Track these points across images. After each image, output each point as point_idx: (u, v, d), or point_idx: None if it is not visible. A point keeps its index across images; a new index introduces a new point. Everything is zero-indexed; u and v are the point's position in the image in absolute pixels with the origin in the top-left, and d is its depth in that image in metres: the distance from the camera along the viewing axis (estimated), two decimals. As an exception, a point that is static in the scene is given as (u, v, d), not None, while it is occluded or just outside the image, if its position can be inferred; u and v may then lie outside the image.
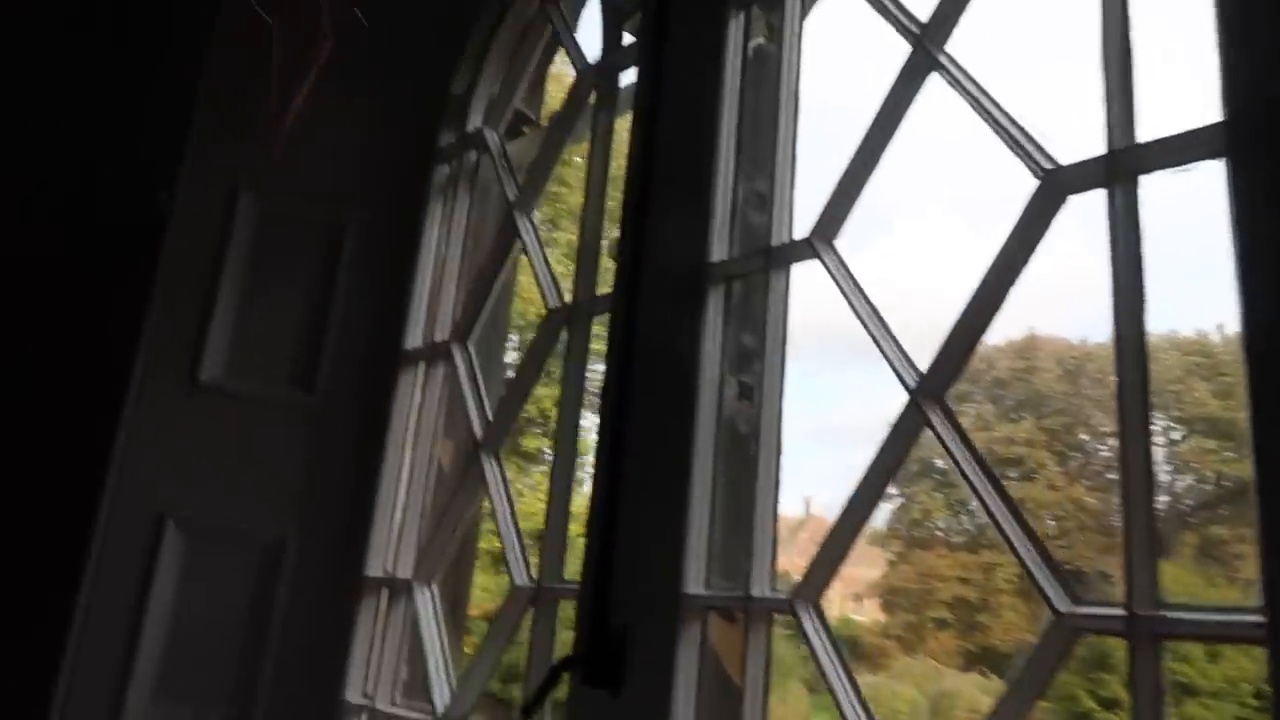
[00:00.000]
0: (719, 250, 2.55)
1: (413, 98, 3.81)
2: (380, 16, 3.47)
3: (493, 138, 3.58)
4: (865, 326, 2.20)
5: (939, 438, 1.98)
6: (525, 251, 3.23)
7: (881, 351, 2.14)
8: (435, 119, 3.77)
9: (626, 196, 2.76)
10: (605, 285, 2.87)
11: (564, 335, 2.98)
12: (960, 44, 2.28)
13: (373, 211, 3.70)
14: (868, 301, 2.21)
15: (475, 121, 3.68)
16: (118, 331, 3.50)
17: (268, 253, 3.59)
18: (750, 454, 2.34)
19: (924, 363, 2.07)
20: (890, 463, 2.09)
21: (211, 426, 3.33)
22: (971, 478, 1.90)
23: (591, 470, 2.51)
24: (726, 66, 2.71)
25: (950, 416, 2.00)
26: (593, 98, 3.18)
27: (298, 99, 2.93)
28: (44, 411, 3.51)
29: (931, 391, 2.02)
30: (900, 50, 2.36)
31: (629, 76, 3.15)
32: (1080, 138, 2.04)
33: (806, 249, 2.37)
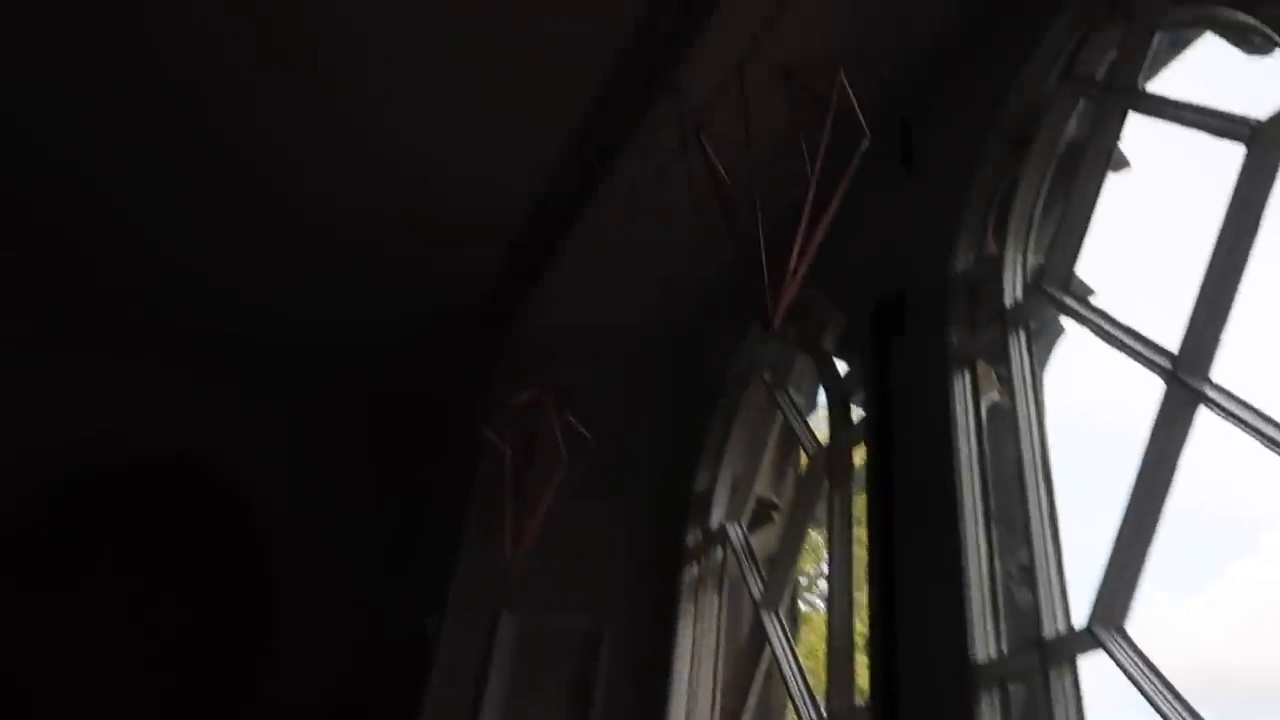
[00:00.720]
0: (983, 644, 2.11)
1: (656, 500, 3.83)
2: (614, 427, 3.59)
3: (735, 532, 3.44)
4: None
5: None
6: (775, 658, 2.91)
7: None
8: (681, 518, 3.72)
9: (871, 590, 2.44)
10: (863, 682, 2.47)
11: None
12: (1228, 368, 1.90)
13: (626, 616, 3.65)
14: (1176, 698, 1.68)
15: (718, 517, 3.58)
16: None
17: (529, 663, 3.66)
18: None
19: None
20: None
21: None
22: None
23: None
24: (958, 429, 2.44)
25: None
26: (826, 480, 2.99)
27: (531, 524, 2.98)
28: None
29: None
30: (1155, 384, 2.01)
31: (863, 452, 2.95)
32: None
33: (1088, 639, 1.90)
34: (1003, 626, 2.14)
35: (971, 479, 2.39)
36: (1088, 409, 2.40)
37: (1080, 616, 1.97)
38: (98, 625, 5.31)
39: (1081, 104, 2.48)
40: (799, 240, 1.68)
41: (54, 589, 5.33)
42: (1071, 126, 2.52)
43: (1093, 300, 2.35)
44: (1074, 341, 2.45)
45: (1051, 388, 2.46)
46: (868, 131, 1.86)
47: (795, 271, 1.66)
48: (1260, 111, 1.98)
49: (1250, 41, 2.11)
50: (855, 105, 1.84)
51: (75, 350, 5.22)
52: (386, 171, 3.91)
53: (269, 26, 3.34)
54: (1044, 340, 2.43)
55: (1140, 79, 2.31)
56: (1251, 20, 2.03)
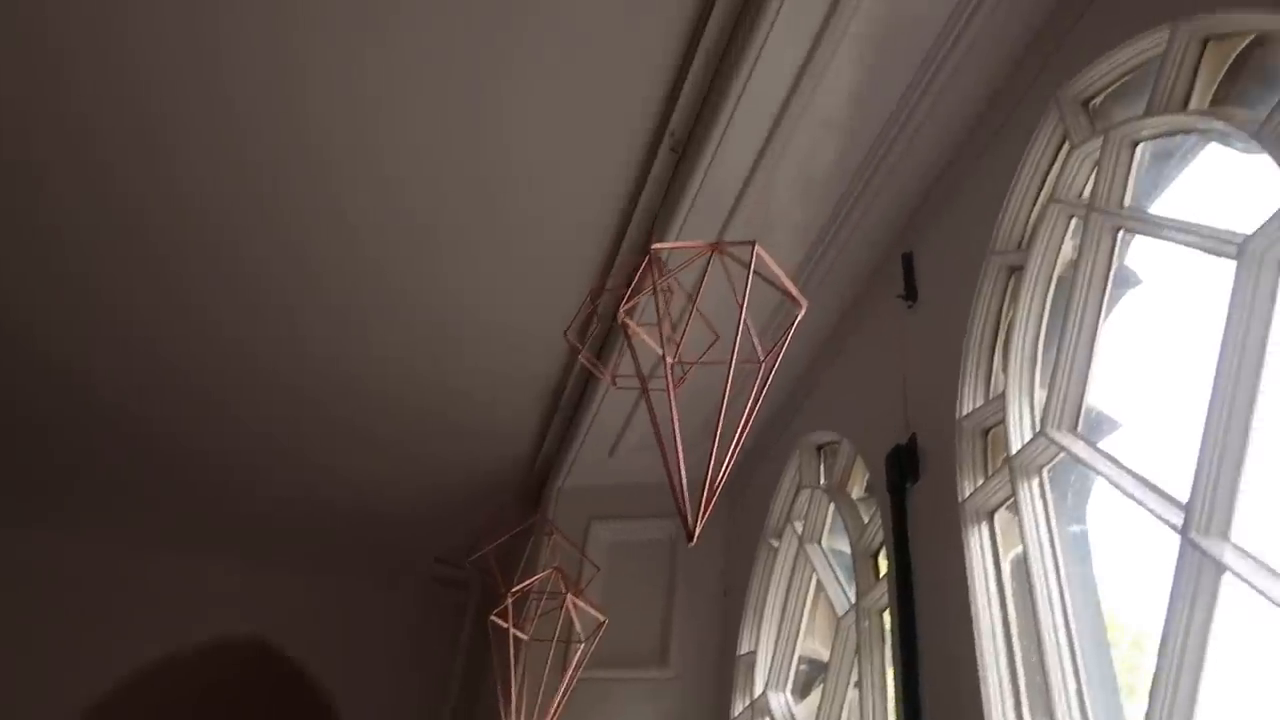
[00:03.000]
0: None
1: (700, 668, 3.61)
2: (649, 598, 3.42)
3: (778, 701, 3.17)
4: None
5: None
6: None
7: None
8: (727, 687, 3.47)
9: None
10: None
11: None
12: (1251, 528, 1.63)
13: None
14: None
15: (761, 683, 3.32)
16: None
17: None
18: None
19: None
20: None
21: None
22: None
23: None
24: (975, 588, 2.19)
25: None
26: (853, 639, 2.74)
27: (548, 703, 2.82)
28: None
29: None
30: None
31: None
32: None
33: None
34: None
35: (994, 643, 2.13)
36: (1115, 564, 2.11)
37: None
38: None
39: (1073, 225, 2.30)
40: (714, 448, 1.54)
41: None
42: (1067, 249, 2.33)
43: (1107, 439, 2.11)
44: (1098, 489, 2.19)
45: (1082, 539, 2.20)
46: (803, 301, 1.74)
47: (712, 483, 1.52)
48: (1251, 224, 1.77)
49: (1235, 147, 1.92)
50: (780, 274, 1.72)
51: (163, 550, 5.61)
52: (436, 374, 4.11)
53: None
54: (1061, 488, 2.19)
55: (1126, 195, 2.13)
56: (1221, 125, 1.85)
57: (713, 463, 1.53)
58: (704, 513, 1.52)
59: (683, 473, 1.61)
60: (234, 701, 6.07)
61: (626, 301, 1.95)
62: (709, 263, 1.94)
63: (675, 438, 1.68)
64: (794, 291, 1.82)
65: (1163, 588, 1.75)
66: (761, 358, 1.84)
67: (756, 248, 1.75)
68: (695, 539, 1.53)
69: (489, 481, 4.81)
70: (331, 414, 4.39)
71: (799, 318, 1.81)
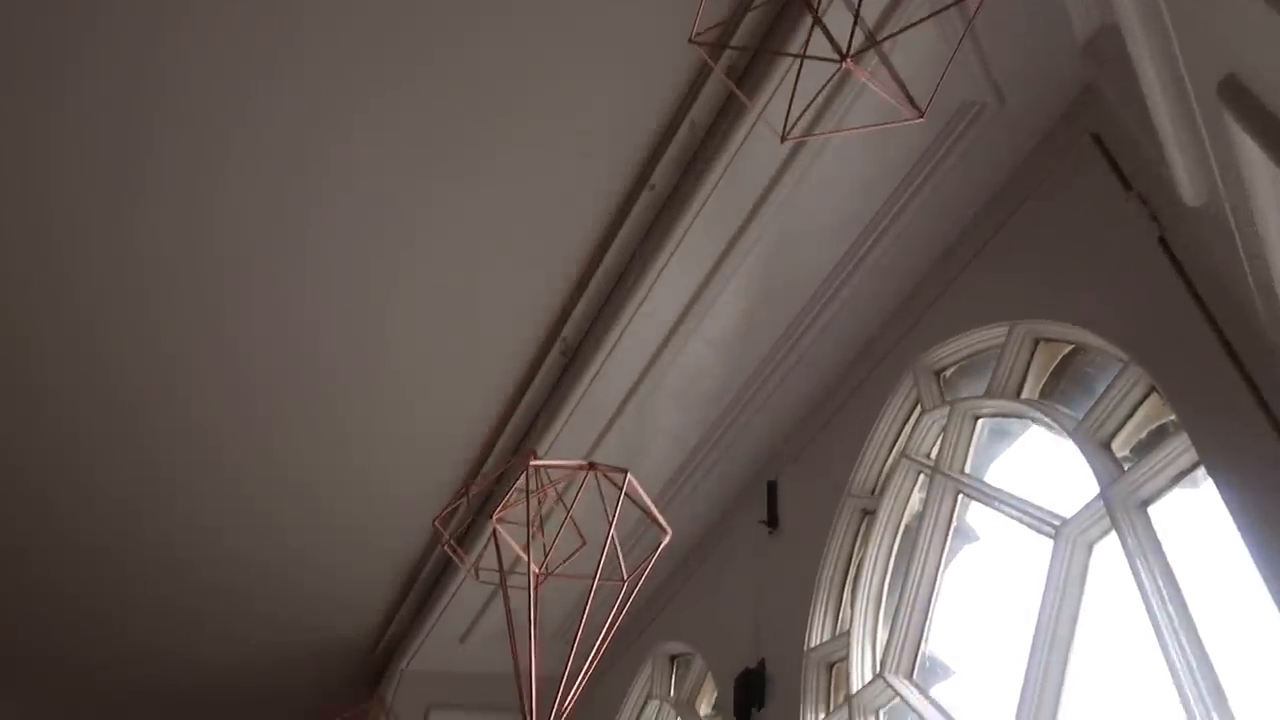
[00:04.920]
0: None
1: None
2: None
3: None
4: None
5: None
6: None
7: None
8: None
9: None
10: None
11: None
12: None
13: None
14: None
15: None
16: None
17: None
18: None
19: None
20: None
21: None
22: None
23: None
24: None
25: None
26: None
27: None
28: None
29: None
30: None
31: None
32: None
33: None
34: None
35: None
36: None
37: None
38: None
39: (920, 479, 2.52)
40: (569, 661, 1.60)
41: None
42: (915, 501, 2.54)
43: (939, 685, 2.24)
44: (928, 731, 2.30)
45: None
46: (668, 530, 1.85)
47: (564, 697, 1.56)
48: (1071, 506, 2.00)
49: (1058, 434, 2.18)
50: (647, 501, 1.83)
51: None
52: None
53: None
54: (894, 729, 2.29)
55: (966, 462, 2.36)
56: (1047, 419, 2.11)
57: (565, 680, 1.58)
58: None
59: (534, 679, 1.64)
60: None
61: (500, 509, 2.02)
62: (583, 480, 2.04)
63: (530, 643, 1.73)
64: (660, 520, 1.94)
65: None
66: (625, 576, 1.93)
67: (628, 475, 1.87)
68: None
69: (327, 657, 4.57)
70: (158, 582, 4.13)
71: (663, 544, 1.92)
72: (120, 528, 3.84)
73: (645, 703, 3.46)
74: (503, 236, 2.93)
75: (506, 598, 1.84)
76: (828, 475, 2.80)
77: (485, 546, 3.30)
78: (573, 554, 2.22)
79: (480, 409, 3.41)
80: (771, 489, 3.06)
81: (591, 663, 1.71)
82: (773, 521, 2.99)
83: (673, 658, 3.48)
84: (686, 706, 3.14)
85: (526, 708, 1.57)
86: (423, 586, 4.02)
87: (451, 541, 3.40)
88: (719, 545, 3.32)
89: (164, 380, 3.32)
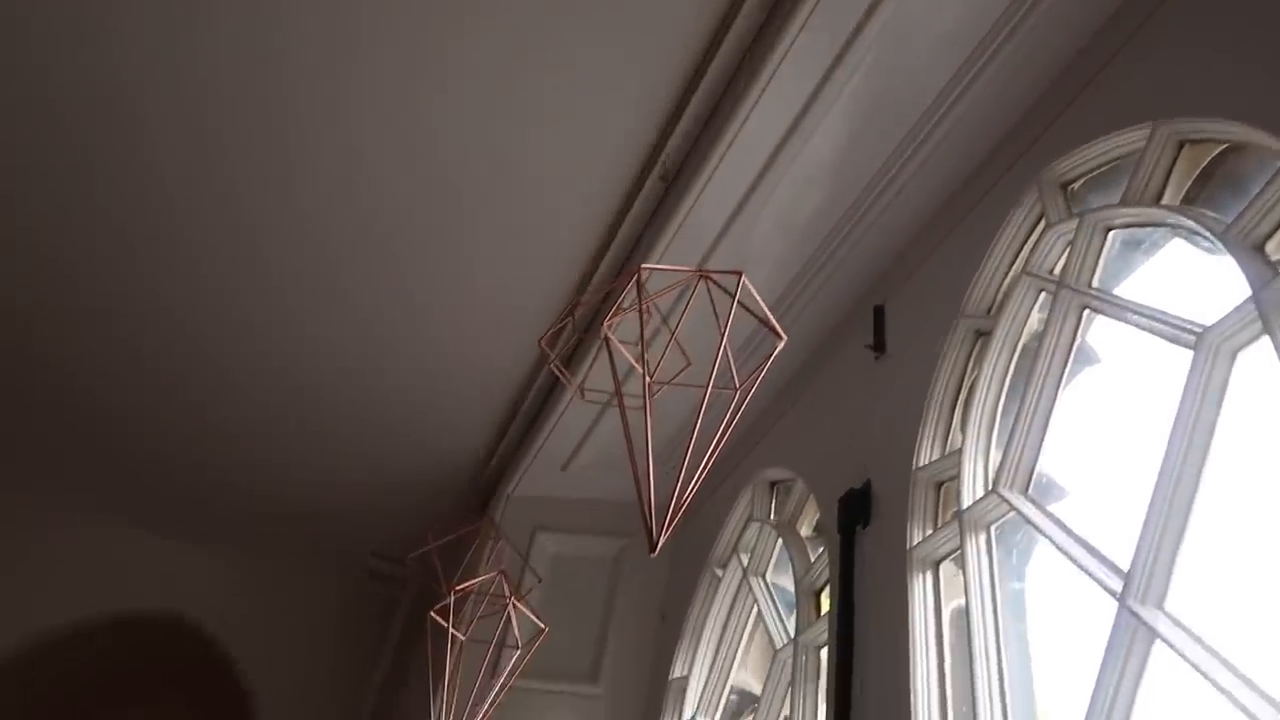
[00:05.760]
0: None
1: (633, 688, 3.64)
2: (589, 611, 3.45)
3: (706, 728, 3.22)
4: None
5: None
6: None
7: None
8: (656, 708, 3.51)
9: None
10: None
11: None
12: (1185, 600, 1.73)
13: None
14: None
15: (691, 708, 3.36)
16: None
17: None
18: None
19: None
20: None
21: None
22: None
23: None
24: (914, 636, 2.27)
25: None
26: (788, 674, 2.80)
27: (477, 710, 2.83)
28: None
29: None
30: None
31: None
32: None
33: None
34: None
35: (928, 689, 2.20)
36: (1057, 624, 2.20)
37: None
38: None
39: (1041, 298, 2.41)
40: (684, 465, 1.59)
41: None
42: (1034, 321, 2.45)
43: (1055, 505, 2.21)
44: (1041, 550, 2.29)
45: (1021, 597, 2.30)
46: (783, 334, 1.80)
47: (680, 498, 1.57)
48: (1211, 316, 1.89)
49: (1200, 245, 2.04)
50: (763, 306, 1.79)
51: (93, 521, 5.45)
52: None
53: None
54: (1006, 546, 2.28)
55: (1095, 276, 2.25)
56: (1191, 223, 1.97)
57: (682, 478, 1.59)
58: (669, 525, 1.57)
59: (652, 485, 1.66)
60: (143, 676, 5.94)
61: (611, 316, 2.00)
62: (694, 289, 2.00)
63: (648, 451, 1.74)
64: (775, 324, 1.89)
65: (1094, 650, 1.85)
66: (738, 385, 1.91)
67: (743, 278, 1.82)
68: (658, 550, 1.58)
69: (435, 480, 4.79)
70: (277, 399, 4.35)
71: (778, 349, 1.88)
72: (247, 350, 4.03)
73: (745, 526, 3.54)
74: (604, 63, 2.85)
75: (622, 405, 1.84)
76: (939, 297, 2.71)
77: (591, 366, 3.33)
78: (679, 373, 2.22)
79: (579, 234, 3.40)
80: (879, 313, 2.99)
81: (707, 462, 1.71)
82: (879, 346, 2.93)
83: (773, 484, 3.52)
84: (788, 528, 3.20)
85: (646, 512, 1.59)
86: (528, 413, 4.12)
87: (557, 362, 3.46)
88: (821, 372, 3.29)
89: (287, 203, 3.43)
